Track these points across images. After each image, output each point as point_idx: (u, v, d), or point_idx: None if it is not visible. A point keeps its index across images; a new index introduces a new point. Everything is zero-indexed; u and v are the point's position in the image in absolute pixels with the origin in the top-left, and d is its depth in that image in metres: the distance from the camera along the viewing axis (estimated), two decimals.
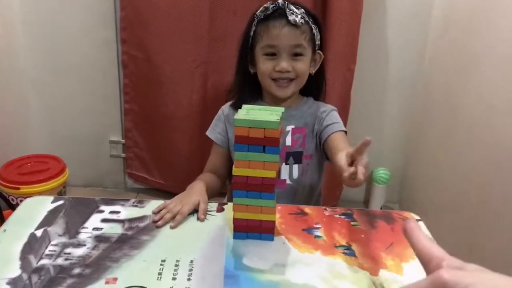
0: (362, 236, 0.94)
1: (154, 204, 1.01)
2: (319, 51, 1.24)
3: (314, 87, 1.29)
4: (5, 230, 0.90)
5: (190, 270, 0.80)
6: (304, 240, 0.91)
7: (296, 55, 1.17)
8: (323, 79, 1.31)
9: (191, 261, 0.83)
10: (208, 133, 1.30)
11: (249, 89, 1.27)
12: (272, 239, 0.91)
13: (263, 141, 0.81)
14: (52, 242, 0.87)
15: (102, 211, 0.98)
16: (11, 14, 2.06)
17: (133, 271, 0.80)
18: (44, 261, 0.81)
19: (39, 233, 0.90)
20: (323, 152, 1.22)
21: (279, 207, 1.00)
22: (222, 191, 1.30)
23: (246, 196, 0.86)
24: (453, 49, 1.85)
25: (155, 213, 0.98)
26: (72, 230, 0.91)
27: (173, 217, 0.96)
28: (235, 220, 0.90)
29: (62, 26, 2.13)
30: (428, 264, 0.38)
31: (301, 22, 1.15)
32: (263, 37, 1.18)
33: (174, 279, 0.78)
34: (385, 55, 2.15)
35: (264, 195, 0.86)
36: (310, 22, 1.18)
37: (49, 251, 0.84)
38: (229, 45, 1.95)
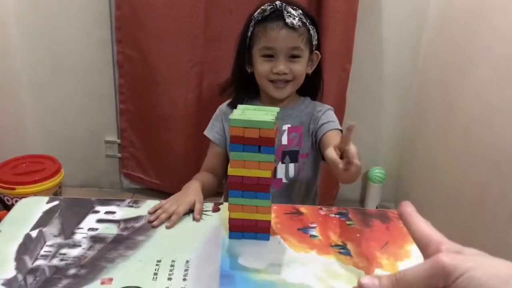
0: (357, 235, 0.94)
1: (149, 204, 1.01)
2: (316, 51, 1.24)
3: (311, 87, 1.29)
4: (0, 231, 0.90)
5: (186, 270, 0.80)
6: (299, 240, 0.91)
7: (293, 57, 1.18)
8: (320, 79, 1.31)
9: (187, 261, 0.83)
10: (206, 132, 1.30)
11: (246, 88, 1.28)
12: (267, 239, 0.91)
13: (258, 141, 0.81)
14: (48, 243, 0.87)
15: (97, 212, 0.98)
16: (6, 14, 2.05)
17: (129, 272, 0.80)
18: (39, 262, 0.81)
19: (34, 233, 0.89)
20: (319, 151, 1.23)
21: (275, 207, 1.01)
22: (219, 190, 1.30)
23: (241, 196, 0.86)
24: (449, 48, 1.86)
25: (150, 213, 0.98)
26: (67, 231, 0.91)
27: (169, 217, 0.96)
28: (230, 220, 0.90)
29: (57, 26, 2.12)
30: (426, 249, 0.38)
31: (299, 24, 1.15)
32: (261, 38, 1.18)
33: (169, 279, 0.78)
34: (381, 55, 2.15)
35: (260, 195, 0.86)
36: (307, 24, 1.18)
37: (44, 251, 0.84)
38: (224, 45, 1.96)
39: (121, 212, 0.98)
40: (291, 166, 1.24)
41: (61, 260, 0.82)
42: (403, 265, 0.85)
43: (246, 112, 0.85)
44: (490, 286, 0.31)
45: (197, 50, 2.04)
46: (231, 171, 0.84)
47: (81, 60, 2.18)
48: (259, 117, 0.81)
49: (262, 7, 1.18)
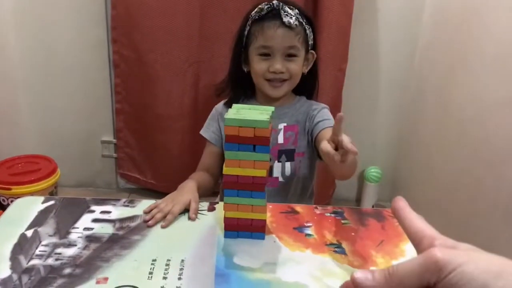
0: (353, 234, 0.95)
1: (145, 204, 1.01)
2: (312, 51, 1.24)
3: (307, 86, 1.30)
4: None
5: (181, 269, 0.81)
6: (295, 239, 0.92)
7: (290, 56, 1.18)
8: (316, 79, 1.32)
9: (182, 261, 0.83)
10: (202, 132, 1.31)
11: (242, 87, 1.28)
12: (263, 238, 0.91)
13: (253, 140, 0.82)
14: (43, 243, 0.87)
15: (93, 211, 0.98)
16: (2, 14, 2.05)
17: (124, 271, 0.80)
18: (34, 262, 0.81)
19: (29, 233, 0.89)
20: (315, 149, 1.23)
21: (270, 206, 1.01)
22: (215, 190, 1.30)
23: (236, 195, 0.86)
24: (444, 48, 1.86)
25: (146, 212, 0.98)
26: (62, 230, 0.91)
27: (164, 217, 0.96)
28: (226, 219, 0.90)
29: (53, 26, 2.12)
30: (419, 244, 0.38)
31: (295, 23, 1.16)
32: (258, 37, 1.18)
33: (165, 278, 0.78)
34: (376, 55, 2.16)
35: (255, 194, 0.86)
36: (304, 23, 1.19)
37: (40, 251, 0.84)
38: (220, 45, 1.96)
39: (117, 211, 0.98)
40: (287, 164, 1.24)
41: (56, 259, 0.82)
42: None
43: (241, 112, 0.85)
44: (482, 280, 0.31)
45: (192, 49, 2.04)
46: (226, 170, 0.85)
47: (77, 60, 2.18)
48: (254, 117, 0.82)
49: (259, 6, 1.19)
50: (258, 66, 1.20)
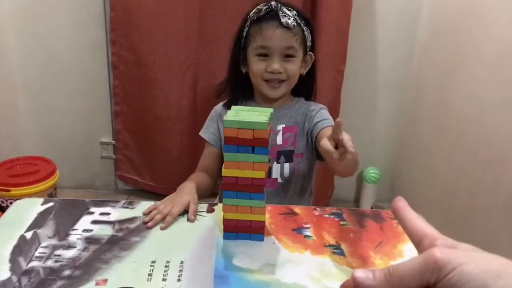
0: (351, 235, 0.95)
1: (144, 205, 1.02)
2: (310, 52, 1.25)
3: (305, 88, 1.30)
4: None
5: (180, 270, 0.81)
6: (294, 240, 0.92)
7: (288, 56, 1.19)
8: (314, 80, 1.32)
9: (181, 262, 0.83)
10: (201, 133, 1.31)
11: (241, 89, 1.28)
12: (262, 239, 0.91)
13: (252, 142, 0.82)
14: (42, 244, 0.87)
15: (92, 213, 0.98)
16: (1, 15, 2.05)
17: (123, 272, 0.80)
18: (34, 263, 0.81)
19: (29, 235, 0.90)
20: (315, 149, 1.23)
21: (269, 207, 1.01)
22: (214, 191, 1.31)
23: (235, 197, 0.87)
24: (442, 48, 1.87)
25: (145, 214, 0.98)
26: (62, 232, 0.91)
27: (163, 218, 0.96)
28: (225, 221, 0.90)
29: (52, 27, 2.12)
30: (420, 244, 0.38)
31: (293, 24, 1.16)
32: (256, 38, 1.19)
33: (164, 280, 0.78)
34: (375, 56, 2.16)
35: (254, 195, 0.86)
36: (302, 24, 1.20)
37: (39, 253, 0.84)
38: (219, 46, 1.96)
39: (116, 213, 0.99)
40: (286, 165, 1.25)
41: (56, 261, 0.82)
42: None
43: (240, 113, 0.85)
44: (481, 280, 0.31)
45: (191, 51, 2.04)
46: (225, 171, 0.85)
47: (76, 61, 2.18)
48: (253, 118, 0.82)
49: (258, 7, 1.20)
50: (256, 67, 1.20)
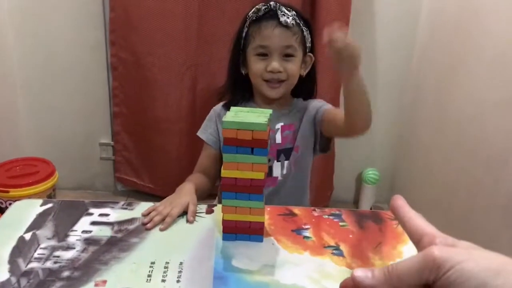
0: (351, 236, 0.95)
1: (143, 206, 1.01)
2: (309, 54, 1.25)
3: (305, 89, 1.30)
4: None
5: (180, 272, 0.81)
6: (293, 241, 0.92)
7: (287, 56, 1.19)
8: (314, 82, 1.32)
9: (181, 263, 0.83)
10: (199, 133, 1.31)
11: (240, 90, 1.28)
12: (261, 240, 0.91)
13: (252, 143, 0.82)
14: (41, 245, 0.87)
15: (91, 214, 0.98)
16: (1, 16, 2.05)
17: (123, 274, 0.80)
18: (33, 265, 0.81)
19: (28, 236, 0.89)
20: (325, 135, 1.25)
21: (268, 208, 1.01)
22: (212, 192, 1.31)
23: (235, 198, 0.87)
24: (442, 49, 1.87)
25: (144, 215, 0.98)
26: (61, 233, 0.91)
27: (163, 220, 0.96)
28: (224, 222, 0.90)
29: (51, 28, 2.12)
30: (419, 242, 0.38)
31: (292, 23, 1.16)
32: (255, 37, 1.19)
33: (163, 281, 0.78)
34: (374, 57, 2.17)
35: (253, 196, 0.86)
36: (301, 25, 1.20)
37: (38, 254, 0.84)
38: (218, 47, 1.96)
39: (115, 214, 0.99)
40: (286, 163, 1.25)
41: (55, 262, 0.82)
42: None
43: (239, 114, 0.85)
44: (481, 278, 0.31)
45: (190, 52, 2.04)
46: (224, 173, 0.85)
47: (75, 61, 2.18)
48: (252, 119, 0.82)
49: (257, 6, 1.20)
50: (255, 66, 1.20)
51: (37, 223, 0.94)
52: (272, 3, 1.19)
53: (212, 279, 0.79)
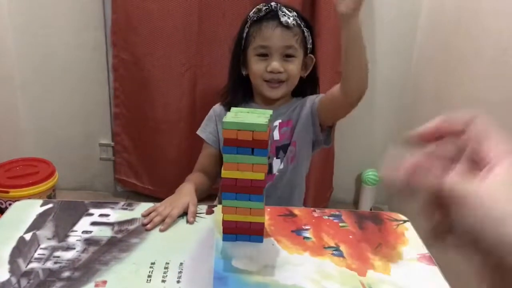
0: (350, 237, 0.95)
1: (143, 207, 1.02)
2: (310, 55, 1.25)
3: (307, 91, 1.30)
4: None
5: (180, 272, 0.81)
6: (293, 242, 0.92)
7: (287, 56, 1.19)
8: (316, 83, 1.32)
9: (181, 264, 0.83)
10: (199, 132, 1.31)
11: (241, 90, 1.28)
12: (261, 241, 0.91)
13: (252, 144, 0.82)
14: (41, 246, 0.87)
15: (91, 214, 0.98)
16: (0, 17, 2.05)
17: (123, 274, 0.80)
18: (33, 265, 0.81)
19: (28, 236, 0.90)
20: (325, 125, 1.25)
21: (268, 209, 1.01)
22: (212, 193, 1.31)
23: (235, 198, 0.87)
24: (442, 50, 1.87)
25: (144, 216, 0.98)
26: (61, 234, 0.91)
27: (163, 220, 0.96)
28: (224, 222, 0.90)
29: (51, 29, 2.12)
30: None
31: (293, 24, 1.17)
32: (256, 38, 1.19)
33: (163, 281, 0.78)
34: (374, 57, 2.16)
35: (253, 197, 0.86)
36: (302, 25, 1.20)
37: (38, 254, 0.84)
38: (218, 49, 1.96)
39: (115, 214, 0.99)
40: (284, 159, 1.25)
41: (55, 263, 0.82)
42: (395, 267, 0.86)
43: (239, 115, 0.85)
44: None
45: (190, 54, 2.04)
46: (224, 173, 0.85)
47: (75, 62, 2.18)
48: (253, 120, 0.82)
49: (257, 7, 1.20)
50: (256, 67, 1.20)
51: (37, 224, 0.94)
52: (273, 3, 1.19)
53: (212, 280, 0.79)
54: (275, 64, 1.17)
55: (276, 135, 1.24)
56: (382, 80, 2.20)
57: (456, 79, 1.71)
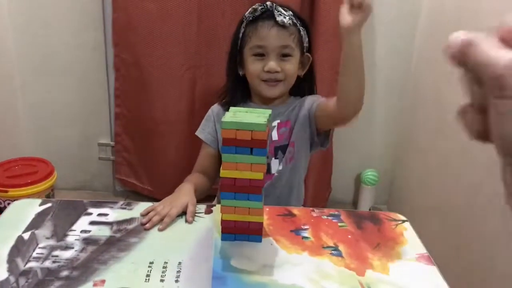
0: (349, 236, 0.95)
1: (142, 206, 1.02)
2: (307, 53, 1.25)
3: (305, 90, 1.30)
4: None
5: (178, 271, 0.81)
6: (292, 241, 0.92)
7: (284, 55, 1.19)
8: (313, 82, 1.32)
9: (179, 263, 0.83)
10: (197, 133, 1.31)
11: (239, 90, 1.28)
12: (260, 241, 0.91)
13: (251, 143, 0.82)
14: (40, 245, 0.87)
15: (90, 214, 0.98)
16: (0, 17, 2.05)
17: (121, 273, 0.80)
18: (31, 264, 0.81)
19: (26, 236, 0.90)
20: (321, 130, 1.25)
21: (267, 209, 1.01)
22: (211, 193, 1.30)
23: (234, 198, 0.87)
24: (441, 51, 1.86)
25: (143, 215, 0.98)
26: (60, 233, 0.91)
27: (161, 220, 0.96)
28: (223, 222, 0.90)
29: (50, 28, 2.12)
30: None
31: (289, 23, 1.17)
32: (252, 38, 1.19)
33: (162, 280, 0.78)
34: (373, 58, 2.16)
35: (252, 196, 0.86)
36: (298, 24, 1.20)
37: (37, 253, 0.84)
38: (218, 49, 1.96)
39: (114, 214, 0.99)
40: (283, 160, 1.25)
41: (54, 262, 0.82)
42: (394, 266, 0.86)
43: (238, 114, 0.85)
44: None
45: (190, 54, 2.04)
46: (223, 173, 0.85)
47: (74, 62, 2.18)
48: (251, 119, 0.82)
49: (253, 7, 1.20)
50: (252, 67, 1.20)
51: (36, 223, 0.94)
52: (268, 3, 1.19)
53: (211, 279, 0.79)
54: (272, 64, 1.17)
55: (275, 135, 1.24)
56: (382, 81, 2.20)
57: (455, 81, 1.70)
